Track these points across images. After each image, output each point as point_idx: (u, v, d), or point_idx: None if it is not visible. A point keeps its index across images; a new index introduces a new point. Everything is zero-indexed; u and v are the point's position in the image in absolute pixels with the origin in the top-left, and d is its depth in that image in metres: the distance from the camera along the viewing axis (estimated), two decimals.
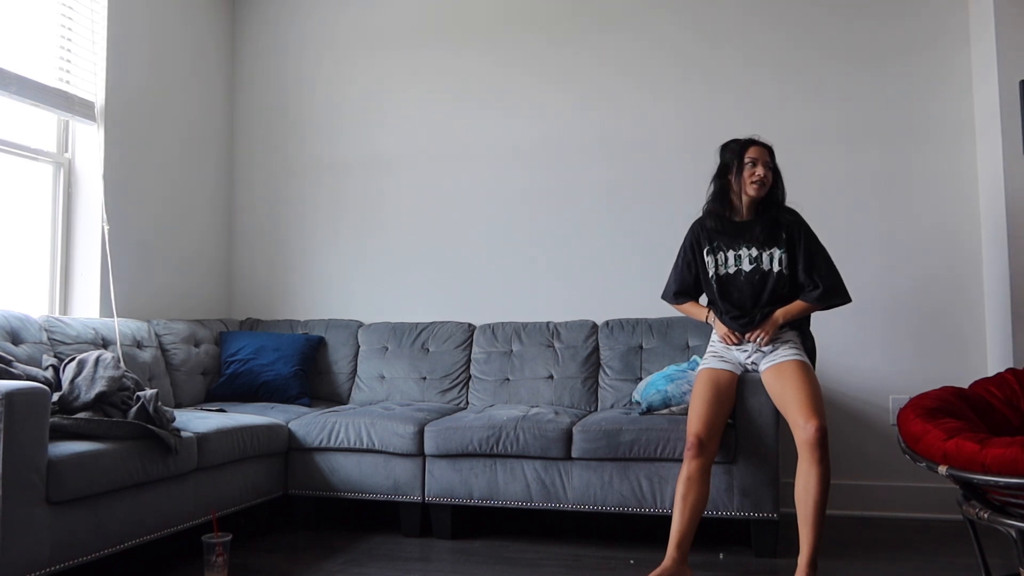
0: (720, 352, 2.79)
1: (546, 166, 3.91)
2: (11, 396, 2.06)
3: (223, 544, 2.39)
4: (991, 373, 3.01)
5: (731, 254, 2.77)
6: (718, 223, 2.79)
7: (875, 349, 3.48)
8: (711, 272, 2.79)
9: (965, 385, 2.34)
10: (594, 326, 3.65)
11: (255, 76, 4.36)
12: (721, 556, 2.80)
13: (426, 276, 4.04)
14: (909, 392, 3.01)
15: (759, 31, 3.70)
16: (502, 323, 3.77)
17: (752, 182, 2.72)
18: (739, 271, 2.75)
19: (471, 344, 3.76)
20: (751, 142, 2.78)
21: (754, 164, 2.73)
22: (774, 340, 2.71)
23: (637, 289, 3.63)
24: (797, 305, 2.71)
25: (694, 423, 2.59)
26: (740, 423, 2.78)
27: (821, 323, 3.56)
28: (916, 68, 3.52)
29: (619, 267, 3.78)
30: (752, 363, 2.74)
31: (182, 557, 2.77)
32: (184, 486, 2.65)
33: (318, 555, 2.85)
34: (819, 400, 2.51)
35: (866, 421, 3.45)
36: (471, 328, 3.81)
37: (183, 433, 2.64)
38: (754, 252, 2.74)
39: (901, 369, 3.44)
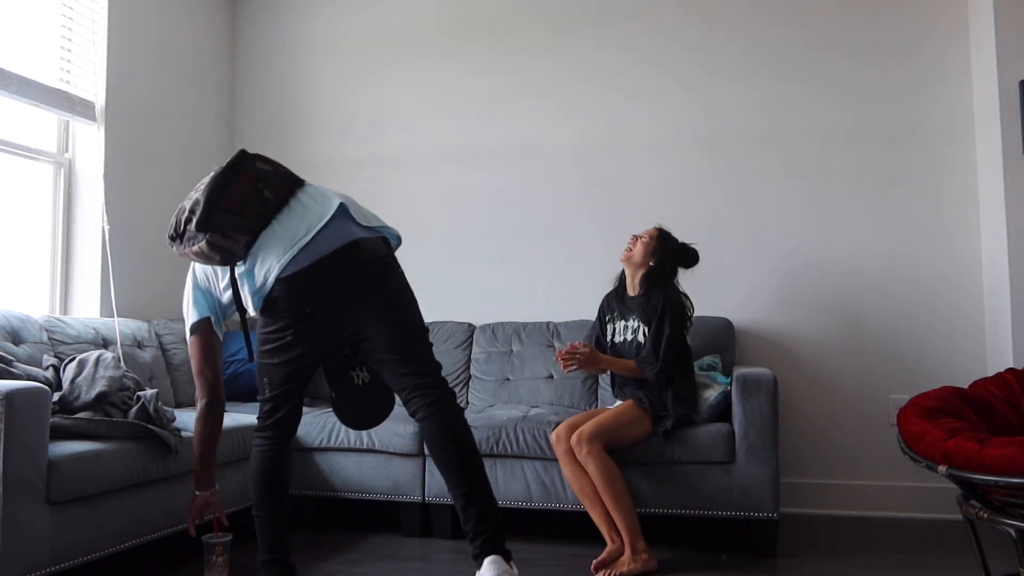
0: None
1: (547, 167, 3.91)
2: (11, 396, 2.06)
3: (223, 544, 2.39)
4: (991, 373, 3.01)
5: (621, 324, 3.02)
6: (616, 295, 3.10)
7: (875, 349, 3.48)
8: (609, 339, 3.05)
9: (965, 385, 2.34)
10: (595, 326, 3.64)
11: (255, 76, 4.36)
12: (724, 557, 2.79)
13: (426, 276, 4.02)
14: (909, 392, 3.00)
15: (756, 31, 3.70)
16: (502, 323, 3.77)
17: (624, 252, 3.02)
18: (624, 340, 2.99)
19: (471, 344, 3.75)
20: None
21: (635, 238, 3.01)
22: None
23: None
24: (628, 364, 2.88)
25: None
26: (740, 423, 2.78)
27: (821, 323, 3.56)
28: (916, 68, 3.52)
29: (619, 267, 3.77)
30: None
31: (182, 557, 2.77)
32: (184, 486, 2.64)
33: (318, 555, 2.85)
34: (602, 429, 2.70)
35: (866, 421, 3.45)
36: (471, 328, 3.81)
37: (183, 433, 2.64)
38: (635, 323, 2.96)
39: (901, 369, 3.44)
